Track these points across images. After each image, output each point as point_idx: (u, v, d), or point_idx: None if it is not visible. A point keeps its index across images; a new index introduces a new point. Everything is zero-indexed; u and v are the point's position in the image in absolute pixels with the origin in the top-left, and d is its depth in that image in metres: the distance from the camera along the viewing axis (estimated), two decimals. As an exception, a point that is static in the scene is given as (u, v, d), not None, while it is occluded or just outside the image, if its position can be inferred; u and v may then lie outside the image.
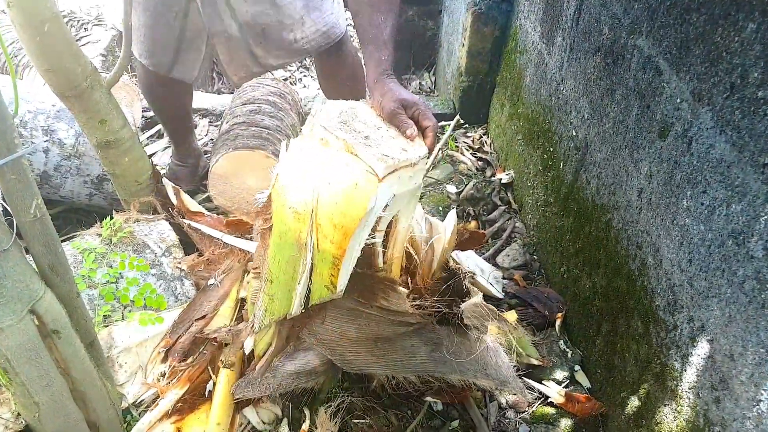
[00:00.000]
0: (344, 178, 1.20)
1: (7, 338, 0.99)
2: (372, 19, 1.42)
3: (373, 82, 1.41)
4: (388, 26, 1.42)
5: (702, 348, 1.28)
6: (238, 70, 2.00)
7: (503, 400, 1.83)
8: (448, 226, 1.63)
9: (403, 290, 1.44)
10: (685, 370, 1.33)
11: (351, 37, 2.54)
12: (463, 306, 1.47)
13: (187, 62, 2.01)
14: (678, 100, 1.37)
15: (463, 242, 1.69)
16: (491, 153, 2.96)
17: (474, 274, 1.56)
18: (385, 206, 1.24)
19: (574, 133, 1.99)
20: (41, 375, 1.07)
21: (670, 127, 1.40)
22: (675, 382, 1.37)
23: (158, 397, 1.46)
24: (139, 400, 1.48)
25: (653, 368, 1.46)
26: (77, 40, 2.36)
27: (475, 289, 1.54)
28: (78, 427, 1.19)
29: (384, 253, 1.41)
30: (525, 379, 1.86)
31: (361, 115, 1.39)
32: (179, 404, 1.43)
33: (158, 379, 1.48)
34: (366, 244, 1.28)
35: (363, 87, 2.44)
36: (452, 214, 1.60)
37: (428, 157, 1.33)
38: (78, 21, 3.06)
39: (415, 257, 1.54)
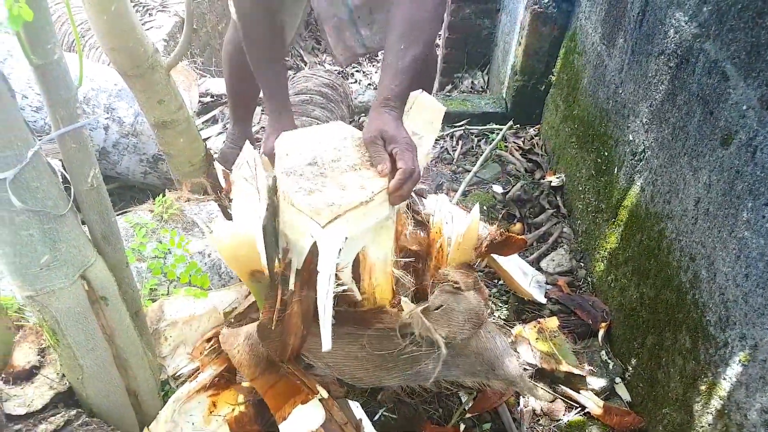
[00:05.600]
0: None
1: (58, 300, 1.03)
2: (393, 44, 1.36)
3: (373, 108, 1.36)
4: (408, 56, 1.34)
5: (754, 368, 1.22)
6: (344, 51, 2.07)
7: (538, 408, 1.80)
8: (466, 221, 1.56)
9: (394, 310, 1.42)
10: (734, 390, 1.27)
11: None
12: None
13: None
14: (744, 107, 1.31)
15: (498, 245, 1.63)
16: (542, 155, 2.90)
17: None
18: (339, 250, 1.18)
19: (631, 138, 1.93)
20: (87, 339, 1.11)
21: (733, 134, 1.34)
22: (722, 402, 1.31)
23: (197, 370, 1.49)
24: (178, 373, 1.52)
25: (699, 385, 1.40)
26: (142, 25, 2.43)
27: (440, 294, 1.48)
28: (118, 392, 1.23)
29: (358, 285, 1.39)
30: (563, 387, 1.82)
31: (320, 146, 1.35)
32: (217, 379, 1.46)
33: (201, 353, 1.52)
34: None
35: (431, 83, 2.44)
36: (476, 209, 1.55)
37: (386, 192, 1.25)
38: (143, 6, 3.17)
39: (405, 279, 1.49)
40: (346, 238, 1.18)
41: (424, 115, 1.48)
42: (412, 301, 1.48)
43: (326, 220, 1.16)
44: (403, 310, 1.44)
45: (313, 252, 1.19)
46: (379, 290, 1.43)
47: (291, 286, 1.26)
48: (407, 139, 1.29)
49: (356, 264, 1.37)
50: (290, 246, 1.27)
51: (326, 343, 1.14)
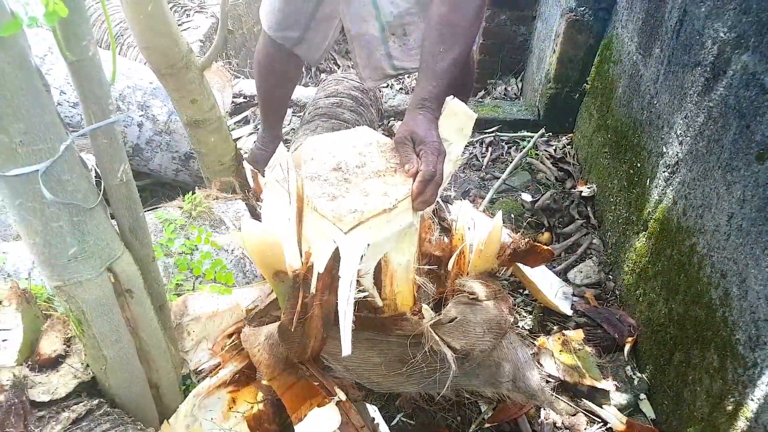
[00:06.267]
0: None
1: (85, 291, 1.06)
2: (432, 47, 1.35)
3: (408, 109, 1.36)
4: (447, 59, 1.33)
5: (784, 390, 1.17)
6: (372, 73, 2.02)
7: (559, 421, 1.76)
8: (488, 228, 1.53)
9: (414, 318, 1.41)
10: (762, 412, 1.23)
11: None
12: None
13: (313, 43, 2.05)
14: (783, 121, 1.27)
15: (523, 253, 1.60)
16: (574, 164, 2.86)
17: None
18: (361, 257, 1.18)
19: (665, 150, 1.88)
20: (112, 330, 1.13)
21: (771, 149, 1.30)
22: (748, 423, 1.26)
23: (218, 366, 1.51)
24: (199, 368, 1.54)
25: (725, 405, 1.36)
26: (179, 25, 2.48)
27: (455, 306, 1.46)
28: (140, 384, 1.26)
29: (379, 291, 1.38)
30: (586, 401, 1.79)
31: (345, 151, 1.34)
32: (237, 376, 1.47)
33: (222, 348, 1.54)
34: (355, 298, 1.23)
35: (468, 97, 2.40)
36: (498, 216, 1.52)
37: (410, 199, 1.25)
38: (181, 7, 3.23)
39: (427, 286, 1.47)
40: (368, 244, 1.18)
41: (455, 122, 1.48)
42: (433, 309, 1.48)
43: (348, 226, 1.17)
44: (423, 317, 1.43)
45: (335, 257, 1.20)
46: (400, 297, 1.43)
47: (313, 290, 1.27)
48: (436, 143, 1.28)
49: (378, 270, 1.37)
50: (312, 250, 1.28)
51: (346, 348, 1.14)
